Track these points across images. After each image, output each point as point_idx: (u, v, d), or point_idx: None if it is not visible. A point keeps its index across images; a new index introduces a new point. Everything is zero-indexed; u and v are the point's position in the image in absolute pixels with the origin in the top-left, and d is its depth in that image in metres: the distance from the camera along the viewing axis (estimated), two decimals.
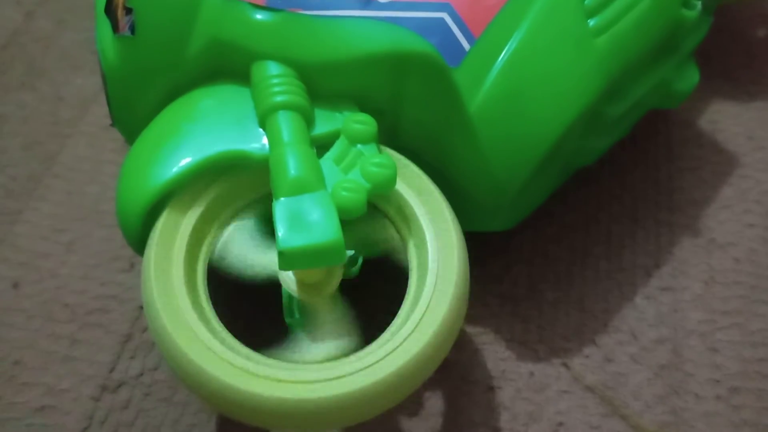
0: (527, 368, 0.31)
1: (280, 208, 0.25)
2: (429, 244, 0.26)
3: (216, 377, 0.23)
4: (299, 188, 0.25)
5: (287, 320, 0.29)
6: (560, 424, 0.29)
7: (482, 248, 0.33)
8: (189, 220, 0.27)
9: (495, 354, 0.31)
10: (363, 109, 0.28)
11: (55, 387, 0.31)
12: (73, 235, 0.35)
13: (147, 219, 0.27)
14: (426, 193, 0.27)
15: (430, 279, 0.26)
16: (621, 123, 0.31)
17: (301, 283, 0.27)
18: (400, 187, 0.27)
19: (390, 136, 0.28)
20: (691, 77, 0.33)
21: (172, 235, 0.26)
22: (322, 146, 0.27)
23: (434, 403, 0.30)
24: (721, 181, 0.36)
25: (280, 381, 0.23)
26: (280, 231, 0.25)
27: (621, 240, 0.34)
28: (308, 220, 0.25)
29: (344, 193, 0.26)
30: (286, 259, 0.25)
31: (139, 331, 0.32)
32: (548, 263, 0.33)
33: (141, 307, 0.32)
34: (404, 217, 0.27)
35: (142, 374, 0.31)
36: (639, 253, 0.33)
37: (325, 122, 0.27)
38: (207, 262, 0.27)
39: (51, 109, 0.40)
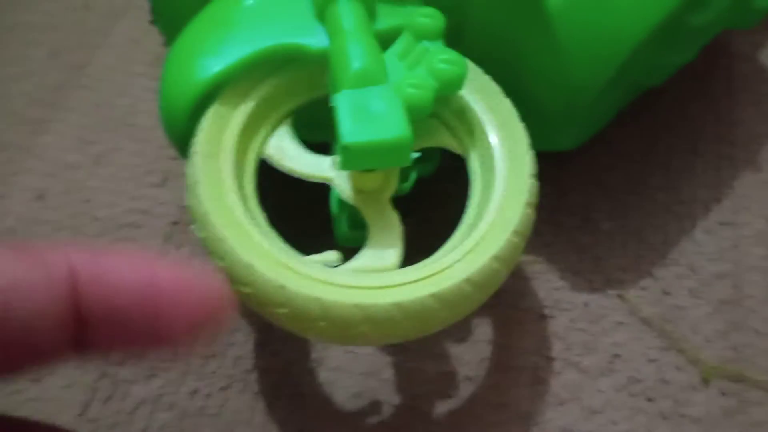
0: (581, 298, 0.29)
1: (344, 101, 0.23)
2: (495, 150, 0.25)
3: (270, 279, 0.21)
4: (363, 80, 0.23)
5: (336, 233, 0.27)
6: (616, 355, 0.28)
7: None
8: (239, 116, 0.25)
9: (548, 283, 0.30)
10: (427, 4, 0.25)
11: None
12: (103, 148, 0.33)
13: (193, 115, 0.25)
14: (492, 96, 0.25)
15: (498, 184, 0.24)
16: (696, 39, 0.29)
17: (356, 190, 0.25)
18: (463, 90, 0.25)
19: (453, 41, 0.26)
20: None
21: (221, 130, 0.24)
22: (384, 43, 0.25)
23: (484, 330, 0.28)
24: None
25: (341, 286, 0.22)
26: (345, 124, 0.22)
27: (680, 172, 0.32)
28: (374, 114, 0.23)
29: (410, 89, 0.23)
30: (351, 156, 0.23)
31: (173, 247, 0.30)
32: (604, 192, 0.32)
33: (174, 223, 0.31)
34: (466, 123, 0.25)
35: None
36: (698, 186, 0.32)
37: (388, 16, 0.25)
38: (257, 162, 0.25)
39: (79, 18, 0.38)
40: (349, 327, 0.21)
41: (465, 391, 0.27)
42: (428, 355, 0.28)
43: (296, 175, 0.25)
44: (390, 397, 0.27)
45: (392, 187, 0.25)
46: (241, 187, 0.24)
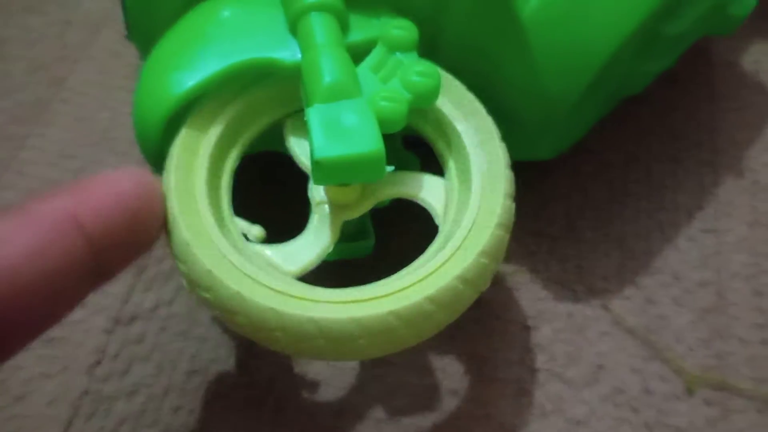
0: (565, 309, 0.29)
1: (315, 115, 0.23)
2: (473, 165, 0.24)
3: (251, 299, 0.22)
4: (335, 94, 0.23)
5: None
6: (600, 366, 0.28)
7: (517, 184, 0.31)
8: (213, 133, 0.24)
9: (531, 293, 0.29)
10: (401, 16, 0.25)
11: (66, 318, 0.29)
12: (83, 162, 0.33)
13: (166, 130, 0.24)
14: (467, 106, 0.25)
15: (473, 203, 0.24)
16: (673, 47, 0.29)
17: (332, 203, 0.25)
18: (440, 101, 0.25)
19: (428, 51, 0.26)
20: (747, 1, 0.30)
21: (194, 149, 0.24)
22: (357, 56, 0.25)
23: (467, 342, 0.28)
24: (765, 122, 0.34)
25: (317, 301, 0.22)
26: (317, 139, 0.22)
27: (662, 179, 0.32)
28: (346, 129, 0.22)
29: (383, 102, 0.23)
30: (323, 171, 0.22)
31: (154, 262, 0.30)
32: (586, 201, 0.32)
33: None
34: (444, 134, 0.25)
35: (157, 307, 0.29)
36: (680, 193, 0.32)
37: (361, 29, 0.25)
38: (232, 177, 0.25)
39: (58, 32, 0.37)
40: (304, 340, 0.22)
41: (449, 404, 0.27)
42: (411, 368, 0.28)
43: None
44: (373, 411, 0.27)
45: (370, 200, 0.25)
46: (217, 205, 0.24)
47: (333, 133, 0.22)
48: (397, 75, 0.24)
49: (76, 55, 0.37)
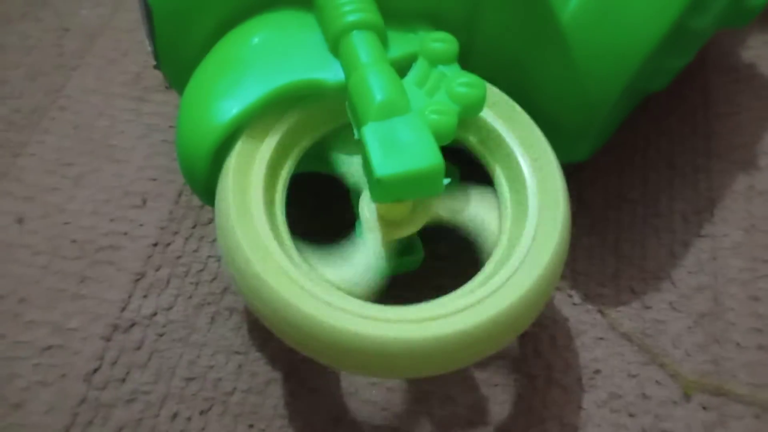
0: (562, 315, 0.29)
1: (371, 134, 0.23)
2: (525, 172, 0.24)
3: (307, 313, 0.21)
4: (388, 111, 0.23)
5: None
6: (597, 371, 0.28)
7: None
8: (263, 155, 0.24)
9: None
10: (437, 28, 0.25)
11: (63, 326, 0.29)
12: (81, 170, 0.33)
13: (214, 160, 0.24)
14: (514, 117, 0.25)
15: (531, 211, 0.23)
16: (695, 41, 0.30)
17: (383, 220, 0.25)
18: (484, 112, 0.25)
19: (461, 61, 0.26)
20: None
21: (248, 168, 0.24)
22: (399, 72, 0.24)
23: None
24: (760, 127, 0.34)
25: (373, 319, 0.21)
26: (376, 157, 0.22)
27: (658, 185, 0.32)
28: (403, 145, 0.22)
29: (433, 116, 0.23)
30: (384, 188, 0.22)
31: (152, 269, 0.30)
32: (582, 208, 0.32)
33: (154, 245, 0.31)
34: (490, 146, 0.25)
35: (155, 314, 0.29)
36: (676, 198, 0.32)
37: (401, 44, 0.25)
38: (285, 195, 0.25)
39: (56, 40, 0.38)
40: (375, 360, 0.22)
41: (445, 410, 0.27)
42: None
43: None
44: (370, 418, 0.27)
45: (423, 214, 0.25)
46: (273, 224, 0.24)
47: (391, 150, 0.22)
48: (442, 87, 0.24)
49: (74, 63, 0.37)
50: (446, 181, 0.24)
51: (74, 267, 0.30)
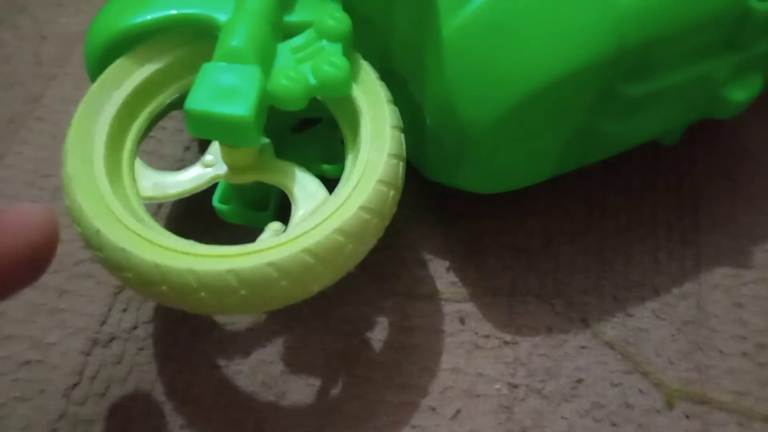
0: (544, 323, 0.29)
1: (206, 70, 0.24)
2: (362, 125, 0.25)
3: (136, 255, 0.23)
4: (234, 57, 0.24)
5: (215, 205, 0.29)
6: (579, 380, 0.28)
7: (495, 199, 0.31)
8: (137, 76, 0.26)
9: (510, 308, 0.29)
10: (353, 12, 0.26)
11: (42, 340, 0.29)
12: (60, 181, 0.32)
13: (104, 57, 0.27)
14: (378, 105, 0.26)
15: (361, 156, 0.24)
16: (650, 114, 0.27)
17: (230, 167, 0.26)
18: (358, 96, 0.26)
19: (383, 57, 0.27)
20: (751, 86, 0.27)
21: (114, 84, 0.26)
22: (293, 34, 0.26)
23: (446, 358, 0.28)
24: (744, 132, 0.34)
25: (198, 255, 0.23)
26: (194, 91, 0.24)
27: (640, 192, 0.32)
28: (226, 89, 0.24)
29: (284, 80, 0.24)
30: (191, 121, 0.24)
31: None
32: (565, 215, 0.32)
33: None
34: (353, 127, 0.26)
35: (135, 327, 0.29)
36: (659, 205, 0.32)
37: (303, 11, 0.26)
38: (139, 136, 0.27)
39: (33, 48, 0.37)
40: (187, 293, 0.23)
41: (428, 421, 0.27)
42: (389, 385, 0.28)
43: (186, 195, 0.26)
44: (353, 431, 0.27)
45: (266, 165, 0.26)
46: (117, 165, 0.26)
47: (213, 90, 0.24)
48: (312, 60, 0.25)
49: (52, 72, 0.36)
50: (265, 140, 0.26)
51: (52, 280, 0.30)
